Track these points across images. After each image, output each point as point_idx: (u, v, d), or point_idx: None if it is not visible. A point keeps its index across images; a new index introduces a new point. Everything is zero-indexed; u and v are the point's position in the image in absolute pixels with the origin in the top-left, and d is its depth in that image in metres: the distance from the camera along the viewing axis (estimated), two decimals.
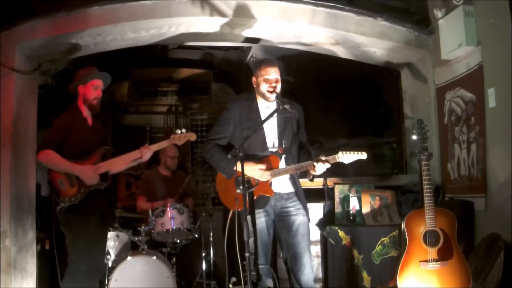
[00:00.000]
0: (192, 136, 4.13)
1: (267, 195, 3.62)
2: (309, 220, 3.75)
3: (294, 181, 3.72)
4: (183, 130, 4.09)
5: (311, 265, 3.68)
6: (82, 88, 3.98)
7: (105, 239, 4.17)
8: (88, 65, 4.15)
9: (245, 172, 3.33)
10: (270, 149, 3.68)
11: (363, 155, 3.58)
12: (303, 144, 3.84)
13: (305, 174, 3.75)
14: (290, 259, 3.67)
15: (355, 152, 3.57)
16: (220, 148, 3.71)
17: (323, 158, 3.55)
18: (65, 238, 3.86)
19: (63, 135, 3.84)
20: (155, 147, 4.10)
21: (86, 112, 4.01)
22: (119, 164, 4.08)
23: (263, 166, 3.58)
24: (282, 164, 3.68)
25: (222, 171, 3.71)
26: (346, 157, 3.56)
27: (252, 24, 4.84)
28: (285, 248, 3.72)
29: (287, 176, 3.70)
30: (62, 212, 3.81)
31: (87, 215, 3.81)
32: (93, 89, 3.98)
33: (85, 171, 3.78)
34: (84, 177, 3.77)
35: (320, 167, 3.55)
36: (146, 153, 4.01)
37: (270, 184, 3.64)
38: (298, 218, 3.67)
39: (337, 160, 3.55)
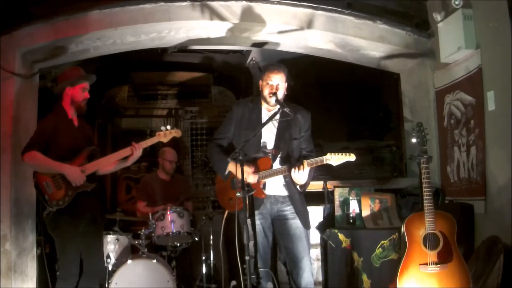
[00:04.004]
0: (178, 133, 4.10)
1: (259, 197, 3.60)
2: (308, 227, 3.71)
3: (288, 185, 3.67)
4: (168, 127, 4.07)
5: (311, 268, 3.66)
6: (70, 90, 3.91)
7: (99, 242, 4.09)
8: (89, 69, 4.14)
9: (234, 171, 3.43)
10: (264, 151, 3.67)
11: (352, 157, 3.52)
12: (301, 151, 3.77)
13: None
14: (289, 263, 3.67)
15: (344, 154, 3.51)
16: (220, 148, 3.75)
17: (308, 161, 3.49)
18: (54, 242, 3.82)
19: (48, 136, 3.78)
20: (144, 143, 4.01)
21: (71, 113, 3.95)
22: (107, 164, 4.01)
23: (251, 169, 3.56)
24: (276, 166, 3.66)
25: (218, 171, 3.79)
26: (334, 159, 3.50)
27: (252, 28, 4.86)
28: (284, 252, 3.71)
29: (282, 179, 3.68)
30: (49, 216, 3.75)
31: (76, 218, 3.75)
32: (82, 91, 3.93)
33: (71, 170, 3.71)
34: (70, 177, 3.69)
35: (296, 175, 3.50)
36: (136, 150, 3.94)
37: (264, 187, 3.64)
38: (295, 222, 3.65)
39: (325, 162, 3.51)
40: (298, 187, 3.65)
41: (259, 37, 5.07)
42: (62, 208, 3.71)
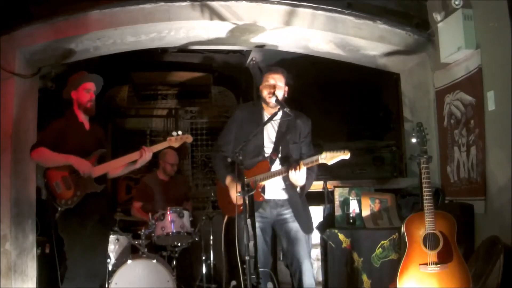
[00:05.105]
0: (189, 138, 4.13)
1: (257, 200, 3.58)
2: (309, 231, 3.71)
3: (288, 188, 3.68)
4: (179, 132, 4.08)
5: (312, 271, 3.67)
6: (75, 93, 3.95)
7: (105, 243, 4.12)
8: (89, 69, 4.14)
9: (231, 186, 3.48)
10: (262, 154, 3.68)
11: (346, 155, 3.51)
12: (301, 156, 3.75)
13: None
14: (290, 266, 3.69)
15: (338, 151, 3.50)
16: (223, 157, 3.74)
17: (303, 161, 3.51)
18: (64, 242, 3.83)
19: (57, 138, 3.80)
20: (155, 148, 4.06)
21: (82, 117, 3.97)
22: (116, 166, 4.03)
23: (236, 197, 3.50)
24: (274, 169, 3.66)
25: (220, 179, 3.83)
26: (329, 157, 3.49)
27: (252, 28, 4.85)
28: (286, 255, 3.73)
29: (281, 183, 3.68)
30: (60, 217, 3.77)
31: (85, 219, 3.78)
32: (86, 92, 3.94)
33: (79, 160, 3.73)
34: (78, 167, 3.71)
35: (293, 175, 3.52)
36: (145, 153, 3.96)
37: (263, 190, 3.64)
38: (296, 225, 3.65)
39: (320, 161, 3.51)
40: (298, 189, 3.65)
41: (259, 37, 5.07)
42: (71, 209, 3.73)
